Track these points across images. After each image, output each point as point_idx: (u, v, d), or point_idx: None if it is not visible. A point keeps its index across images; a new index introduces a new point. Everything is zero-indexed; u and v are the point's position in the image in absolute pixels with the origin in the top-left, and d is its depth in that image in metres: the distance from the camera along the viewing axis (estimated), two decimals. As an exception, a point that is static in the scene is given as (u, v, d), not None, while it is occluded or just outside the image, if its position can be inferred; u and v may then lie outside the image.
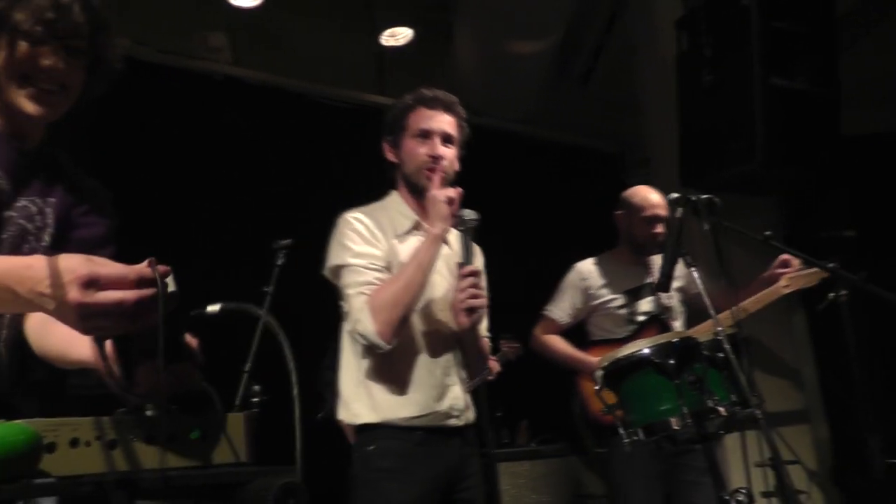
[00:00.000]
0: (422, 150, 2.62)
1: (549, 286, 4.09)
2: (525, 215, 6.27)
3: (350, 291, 2.50)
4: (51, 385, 1.60)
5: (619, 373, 2.75)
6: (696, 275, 2.84)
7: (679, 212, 2.83)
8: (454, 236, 2.72)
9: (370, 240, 2.57)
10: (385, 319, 2.40)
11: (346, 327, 2.58)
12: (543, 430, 5.27)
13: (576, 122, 6.88)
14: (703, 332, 3.29)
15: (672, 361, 2.58)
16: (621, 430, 2.70)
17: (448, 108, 2.69)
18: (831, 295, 3.25)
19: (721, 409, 2.51)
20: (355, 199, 2.82)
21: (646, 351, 2.66)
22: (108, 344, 1.17)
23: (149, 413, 1.17)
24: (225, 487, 1.15)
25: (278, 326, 1.29)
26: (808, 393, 5.04)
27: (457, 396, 2.57)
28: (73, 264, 1.09)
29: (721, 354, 2.59)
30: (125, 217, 1.81)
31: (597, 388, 2.77)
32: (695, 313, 3.69)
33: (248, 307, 1.32)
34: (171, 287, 1.11)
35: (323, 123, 5.60)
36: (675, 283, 3.62)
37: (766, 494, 3.61)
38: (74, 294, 1.06)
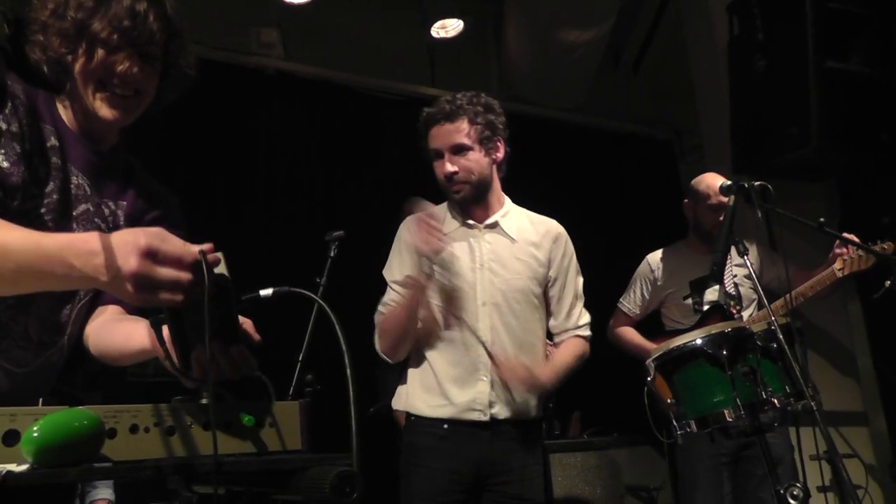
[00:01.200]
0: (439, 171, 2.71)
1: (606, 274, 4.08)
2: (579, 204, 6.23)
3: (378, 308, 2.74)
4: (111, 376, 1.65)
5: (671, 364, 2.71)
6: (749, 262, 2.80)
7: (732, 199, 2.79)
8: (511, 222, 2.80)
9: (405, 256, 2.72)
10: (384, 344, 2.68)
11: None
12: (596, 421, 5.23)
13: (628, 109, 6.82)
14: (759, 321, 3.25)
15: (725, 352, 2.53)
16: (674, 422, 2.67)
17: (451, 117, 2.67)
18: (888, 283, 3.18)
19: (775, 401, 2.47)
20: (406, 191, 2.86)
21: (698, 341, 2.62)
22: (165, 330, 1.21)
23: (205, 401, 1.20)
24: (280, 474, 1.17)
25: (332, 314, 1.30)
26: (864, 385, 4.91)
27: (481, 391, 2.60)
28: (135, 235, 1.14)
29: (775, 345, 2.55)
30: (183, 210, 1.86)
31: (649, 378, 2.75)
32: (775, 299, 3.63)
33: (300, 291, 1.34)
34: (223, 272, 1.15)
35: (374, 116, 5.63)
36: (743, 272, 3.58)
37: (822, 489, 3.53)
38: (133, 262, 1.10)
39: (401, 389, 2.79)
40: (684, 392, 2.68)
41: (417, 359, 2.72)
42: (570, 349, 2.82)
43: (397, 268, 2.73)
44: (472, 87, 2.84)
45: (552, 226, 2.91)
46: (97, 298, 1.61)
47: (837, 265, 3.45)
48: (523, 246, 2.77)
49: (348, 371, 1.21)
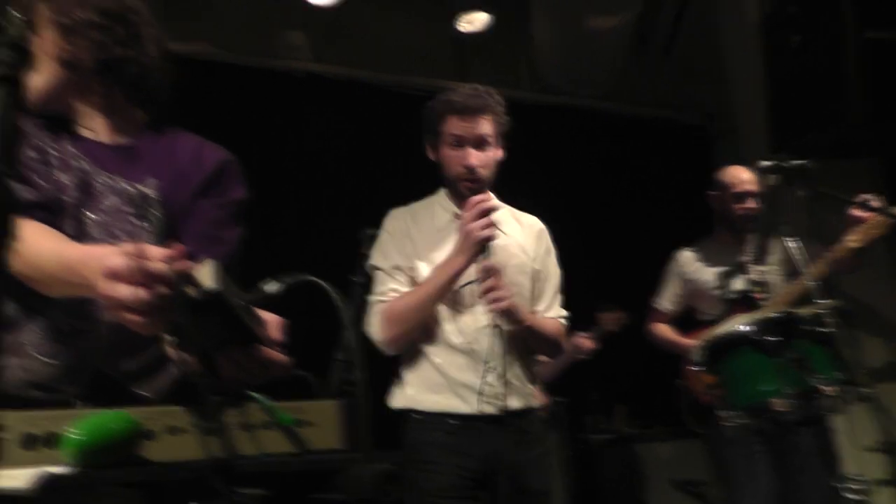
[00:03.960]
0: (457, 160, 2.64)
1: (641, 264, 4.06)
2: (612, 194, 6.19)
3: (371, 297, 2.65)
4: (153, 371, 1.64)
5: (716, 352, 2.67)
6: (791, 245, 2.74)
7: (771, 179, 2.73)
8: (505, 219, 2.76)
9: (400, 243, 2.67)
10: (393, 333, 2.59)
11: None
12: (642, 414, 5.18)
13: (658, 94, 6.73)
14: (784, 299, 3.19)
15: (771, 338, 2.48)
16: (722, 413, 2.62)
17: (480, 110, 2.64)
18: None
19: (826, 389, 2.40)
20: (437, 187, 2.85)
21: (743, 328, 2.58)
22: (177, 345, 1.20)
23: (242, 401, 1.19)
24: (322, 473, 1.15)
25: (344, 308, 1.28)
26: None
27: (490, 383, 2.55)
28: (102, 255, 1.17)
29: (823, 329, 2.48)
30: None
31: (695, 368, 2.70)
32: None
33: (307, 279, 1.31)
34: (206, 278, 1.13)
35: (403, 113, 5.61)
36: (776, 256, 3.53)
37: (882, 483, 3.42)
38: (101, 285, 1.13)
39: (398, 387, 2.72)
40: (731, 381, 2.63)
41: (415, 353, 2.66)
42: (551, 322, 2.79)
43: (397, 254, 2.69)
44: (501, 79, 2.84)
45: (534, 221, 2.93)
46: None
47: (852, 236, 3.31)
48: (513, 241, 2.76)
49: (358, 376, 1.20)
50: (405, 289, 2.63)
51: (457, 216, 2.69)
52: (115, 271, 1.12)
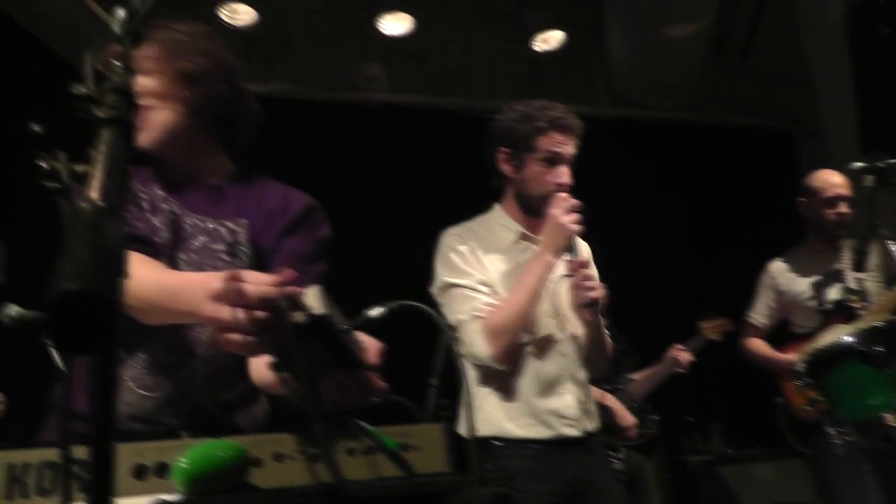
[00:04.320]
0: (549, 178, 2.53)
1: (732, 277, 3.97)
2: (697, 206, 6.09)
3: (462, 316, 2.48)
4: (247, 402, 1.67)
5: (821, 366, 2.54)
6: (891, 249, 2.63)
7: (868, 180, 2.62)
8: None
9: (472, 261, 2.56)
10: (500, 345, 2.41)
11: (459, 347, 2.50)
12: (739, 433, 5.04)
13: (740, 101, 6.60)
14: (885, 307, 3.06)
15: (879, 348, 2.36)
16: (830, 430, 2.49)
17: (577, 132, 2.56)
18: None
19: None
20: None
21: (848, 339, 2.44)
22: (282, 370, 1.22)
23: (347, 426, 1.20)
24: (431, 497, 1.15)
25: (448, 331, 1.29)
26: None
27: (569, 405, 2.49)
28: (205, 280, 1.21)
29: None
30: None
31: (799, 383, 2.59)
32: None
33: (411, 304, 1.32)
34: (313, 303, 1.14)
35: (482, 138, 5.64)
36: (873, 262, 3.40)
37: None
38: (206, 308, 1.14)
39: (472, 413, 2.53)
40: (837, 396, 2.49)
41: (488, 376, 2.53)
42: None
43: (475, 270, 2.56)
44: (579, 96, 2.79)
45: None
46: None
47: None
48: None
49: (465, 384, 1.19)
50: (493, 299, 2.52)
51: (523, 237, 2.62)
52: (220, 294, 1.14)
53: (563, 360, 2.54)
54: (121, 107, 0.71)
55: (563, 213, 2.42)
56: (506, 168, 2.63)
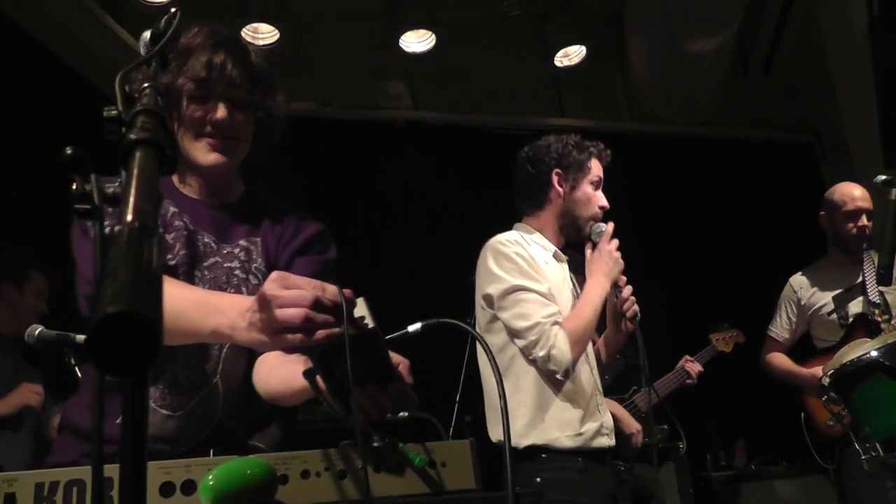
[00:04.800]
0: (596, 201, 2.71)
1: (756, 291, 3.94)
2: (721, 221, 6.06)
3: (541, 320, 2.49)
4: (283, 420, 1.68)
5: (846, 381, 2.50)
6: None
7: (893, 193, 2.60)
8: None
9: (537, 268, 2.61)
10: (577, 353, 2.50)
11: (527, 352, 2.53)
12: (762, 450, 4.99)
13: (762, 115, 6.58)
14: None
15: (906, 364, 2.33)
16: (857, 446, 2.46)
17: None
18: None
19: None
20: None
21: (873, 353, 2.41)
22: (318, 377, 1.23)
23: (375, 444, 1.20)
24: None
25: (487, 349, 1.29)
26: None
27: (604, 415, 2.60)
28: (242, 301, 1.26)
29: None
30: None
31: (824, 398, 2.56)
32: None
33: (451, 322, 1.33)
34: (364, 314, 1.15)
35: (505, 154, 5.65)
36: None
37: None
38: (270, 309, 1.17)
39: (512, 420, 2.54)
40: (864, 411, 2.46)
41: (527, 386, 2.55)
42: None
43: (543, 278, 2.60)
44: (601, 111, 2.86)
45: None
46: None
47: None
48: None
49: (502, 402, 1.19)
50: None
51: (556, 256, 2.72)
52: (269, 297, 1.16)
53: (592, 371, 2.62)
54: (151, 128, 0.72)
55: (615, 246, 2.61)
56: (561, 188, 2.73)
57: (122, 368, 0.52)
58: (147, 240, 0.56)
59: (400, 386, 1.21)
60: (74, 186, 0.71)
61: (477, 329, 2.70)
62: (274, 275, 1.21)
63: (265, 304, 1.17)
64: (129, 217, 0.59)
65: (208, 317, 1.33)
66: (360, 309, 1.16)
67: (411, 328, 1.39)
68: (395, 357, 1.26)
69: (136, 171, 0.64)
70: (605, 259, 2.60)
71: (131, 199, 0.61)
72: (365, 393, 1.18)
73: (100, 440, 0.74)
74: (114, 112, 0.78)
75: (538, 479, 2.46)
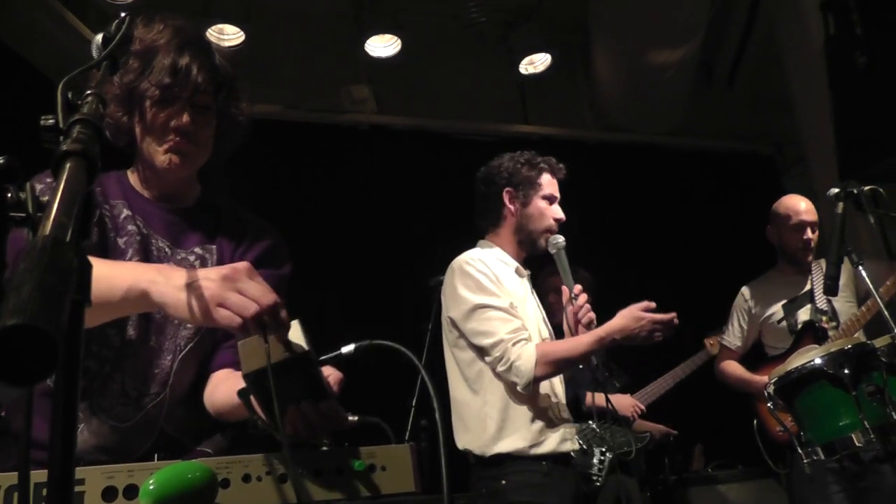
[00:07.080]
0: (550, 214, 2.80)
1: (718, 302, 4.02)
2: (683, 230, 6.12)
3: (504, 336, 2.57)
4: (212, 431, 1.69)
5: (791, 388, 2.56)
6: (863, 272, 2.67)
7: (840, 207, 2.67)
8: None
9: (499, 285, 2.67)
10: (543, 374, 2.56)
11: (492, 367, 2.61)
12: (720, 454, 5.05)
13: (725, 127, 6.68)
14: (854, 327, 3.14)
15: (847, 371, 2.37)
16: (799, 450, 2.52)
17: (563, 177, 2.90)
18: None
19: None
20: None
21: (817, 361, 2.46)
22: (252, 397, 1.24)
23: (324, 448, 1.22)
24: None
25: (418, 361, 1.32)
26: None
27: (566, 421, 2.69)
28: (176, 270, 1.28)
29: (901, 361, 2.38)
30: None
31: (769, 405, 2.62)
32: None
33: (383, 343, 1.35)
34: (299, 338, 1.19)
35: (469, 160, 5.67)
36: (844, 284, 3.43)
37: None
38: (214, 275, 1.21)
39: (480, 430, 2.65)
40: (807, 417, 2.52)
41: (494, 399, 2.63)
42: None
43: (504, 294, 2.67)
44: (565, 119, 2.92)
45: None
46: (198, 351, 1.68)
47: None
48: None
49: (437, 414, 1.22)
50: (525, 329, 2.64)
51: (517, 272, 2.80)
52: (233, 277, 1.20)
53: (558, 381, 2.75)
54: (85, 139, 0.73)
55: (650, 319, 2.58)
56: (513, 206, 2.84)
57: (19, 379, 0.53)
58: (59, 255, 0.57)
59: (331, 403, 1.23)
60: (9, 195, 0.72)
61: (445, 346, 2.79)
62: (241, 265, 1.23)
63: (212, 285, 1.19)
64: (47, 230, 0.60)
65: (123, 275, 1.31)
66: (295, 331, 1.18)
67: (345, 349, 1.43)
68: (328, 370, 1.28)
69: (62, 185, 0.65)
70: (630, 322, 2.58)
71: (52, 213, 0.62)
72: (297, 410, 1.20)
73: (28, 445, 0.75)
74: (51, 121, 0.79)
75: (503, 482, 2.55)
